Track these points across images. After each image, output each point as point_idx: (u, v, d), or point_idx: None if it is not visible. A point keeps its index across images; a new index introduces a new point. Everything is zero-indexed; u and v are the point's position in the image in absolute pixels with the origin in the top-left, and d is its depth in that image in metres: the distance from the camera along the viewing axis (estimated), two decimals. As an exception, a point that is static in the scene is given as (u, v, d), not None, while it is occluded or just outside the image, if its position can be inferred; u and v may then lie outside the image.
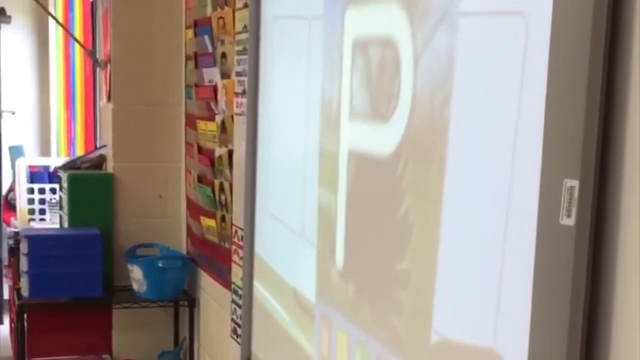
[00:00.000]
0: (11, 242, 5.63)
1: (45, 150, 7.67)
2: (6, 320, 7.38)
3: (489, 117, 1.72)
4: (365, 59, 2.32)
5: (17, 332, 4.59)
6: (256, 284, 3.25)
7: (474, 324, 1.77)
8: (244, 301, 3.33)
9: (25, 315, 4.50)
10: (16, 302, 4.54)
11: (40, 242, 4.45)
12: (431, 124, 1.94)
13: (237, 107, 3.56)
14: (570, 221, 1.47)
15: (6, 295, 7.43)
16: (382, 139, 2.19)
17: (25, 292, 4.41)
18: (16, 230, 5.86)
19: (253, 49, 3.19)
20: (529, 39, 1.59)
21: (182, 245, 4.78)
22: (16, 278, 5.05)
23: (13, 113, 7.63)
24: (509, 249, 1.64)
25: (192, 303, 4.59)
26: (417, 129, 2.01)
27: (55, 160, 6.51)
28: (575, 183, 1.46)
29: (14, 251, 5.48)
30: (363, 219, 2.32)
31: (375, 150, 2.24)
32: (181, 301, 4.68)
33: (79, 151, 6.57)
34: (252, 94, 3.19)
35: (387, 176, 2.15)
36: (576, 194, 1.46)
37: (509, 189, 1.63)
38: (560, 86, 1.49)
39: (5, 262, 6.96)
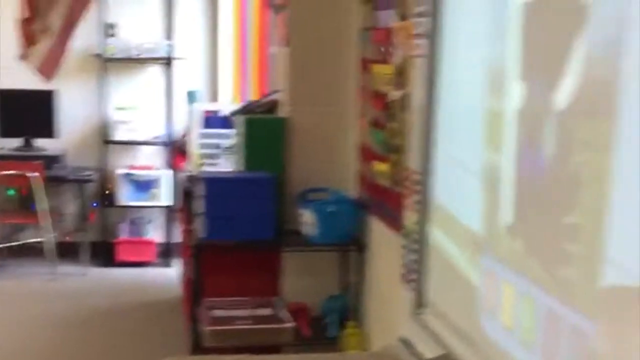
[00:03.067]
0: (186, 185, 5.76)
1: (214, 96, 7.81)
2: (174, 263, 7.61)
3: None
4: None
5: (193, 273, 4.72)
6: (431, 227, 3.23)
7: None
8: (419, 245, 3.32)
9: (199, 256, 4.62)
10: (191, 243, 4.66)
11: (217, 184, 4.55)
12: (606, 76, 1.90)
13: (416, 49, 3.53)
14: None
15: (175, 239, 7.66)
16: (553, 94, 2.17)
17: (200, 233, 4.52)
18: (191, 173, 5.98)
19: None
20: None
21: (353, 190, 4.79)
22: (189, 221, 5.17)
23: (185, 60, 7.78)
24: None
25: (362, 248, 4.61)
26: (591, 81, 1.98)
27: (229, 105, 6.60)
28: None
29: (188, 194, 5.60)
30: (531, 174, 2.31)
31: (544, 105, 2.22)
32: (351, 246, 4.71)
33: (252, 97, 6.65)
34: (433, 35, 3.15)
35: (557, 131, 2.14)
36: None
37: None
38: None
39: (179, 206, 7.14)
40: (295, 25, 4.80)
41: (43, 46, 6.25)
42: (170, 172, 7.71)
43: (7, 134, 7.71)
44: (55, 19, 6.17)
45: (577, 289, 2.06)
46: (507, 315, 2.49)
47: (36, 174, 7.08)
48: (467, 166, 2.87)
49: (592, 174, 1.98)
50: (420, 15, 3.35)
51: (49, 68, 6.38)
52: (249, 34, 7.01)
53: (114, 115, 7.79)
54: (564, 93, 2.12)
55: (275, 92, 5.10)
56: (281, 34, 5.01)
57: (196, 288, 4.69)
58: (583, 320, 2.02)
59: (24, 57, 6.38)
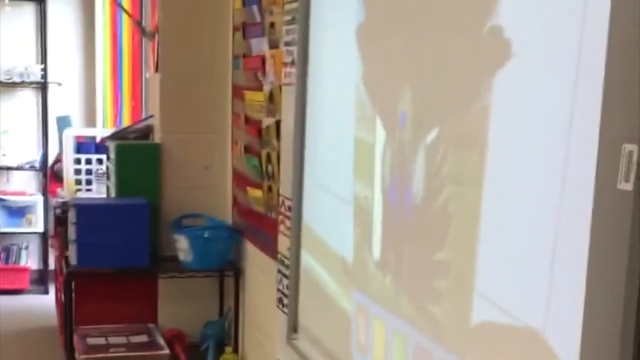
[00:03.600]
0: (59, 211, 5.69)
1: (91, 122, 7.72)
2: (51, 290, 7.47)
3: (543, 82, 1.71)
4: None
5: (65, 301, 4.64)
6: (303, 253, 3.25)
7: (520, 304, 1.77)
8: (291, 271, 3.34)
9: (72, 284, 4.55)
10: (64, 271, 4.59)
11: (88, 211, 4.49)
12: (475, 110, 1.94)
13: (285, 77, 3.56)
14: (628, 186, 1.46)
15: (51, 266, 7.53)
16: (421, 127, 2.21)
17: (73, 261, 4.45)
18: (63, 200, 5.91)
19: (303, 19, 3.18)
20: None
21: (228, 215, 4.80)
22: (63, 248, 5.10)
23: (59, 84, 7.68)
24: (564, 216, 1.63)
25: (238, 273, 4.62)
26: (461, 115, 2.02)
27: (102, 130, 6.56)
28: (634, 147, 1.44)
29: (60, 221, 5.54)
30: (400, 209, 2.34)
31: (412, 139, 2.26)
32: (226, 271, 4.71)
33: (126, 122, 6.61)
34: (301, 63, 3.19)
35: (426, 165, 2.17)
36: (635, 159, 1.44)
37: (565, 155, 1.62)
38: (620, 49, 1.47)
39: (52, 232, 7.04)
40: (165, 52, 4.79)
41: None
42: (44, 198, 7.58)
43: None
44: None
45: (447, 326, 2.07)
46: (379, 351, 2.50)
47: None
48: (339, 195, 2.90)
49: (461, 209, 2.00)
50: (288, 43, 3.40)
51: None
52: (123, 59, 6.97)
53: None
54: (432, 126, 2.17)
55: (149, 117, 5.08)
56: (153, 60, 5.00)
57: (70, 316, 4.61)
58: (453, 358, 2.03)
59: None
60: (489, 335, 1.89)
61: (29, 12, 7.68)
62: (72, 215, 4.45)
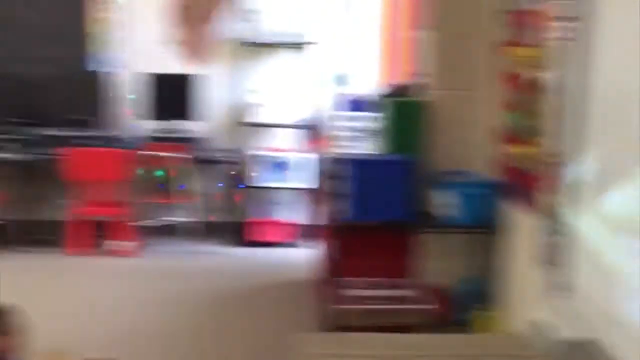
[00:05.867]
0: (329, 167, 5.80)
1: (363, 79, 7.82)
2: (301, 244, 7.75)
3: None
4: None
5: (336, 253, 4.81)
6: (574, 211, 3.22)
7: None
8: (560, 228, 3.32)
9: (341, 237, 4.71)
10: (332, 225, 4.73)
11: (364, 166, 4.65)
12: None
13: (560, 32, 3.52)
14: None
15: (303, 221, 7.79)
16: None
17: (345, 214, 4.61)
18: (335, 156, 6.02)
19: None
20: None
21: (486, 172, 4.82)
22: (330, 202, 5.23)
23: (320, 44, 7.82)
24: None
25: (499, 231, 4.64)
26: None
27: (374, 88, 6.67)
28: None
29: (330, 176, 5.66)
30: None
31: None
32: (488, 228, 4.75)
33: (397, 80, 6.68)
34: (587, 19, 3.16)
35: None
36: None
37: None
38: None
39: (317, 188, 7.20)
40: (441, 11, 4.89)
41: (201, 31, 6.36)
42: (307, 155, 7.79)
43: (156, 117, 7.84)
44: (207, 5, 6.29)
45: None
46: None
47: (185, 155, 7.34)
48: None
49: None
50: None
51: (204, 52, 6.49)
52: (398, 19, 6.97)
53: (252, 98, 7.89)
54: None
55: (420, 75, 5.14)
56: (426, 18, 5.04)
57: (338, 268, 4.77)
58: None
59: (181, 42, 6.47)
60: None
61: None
62: (346, 170, 4.61)
